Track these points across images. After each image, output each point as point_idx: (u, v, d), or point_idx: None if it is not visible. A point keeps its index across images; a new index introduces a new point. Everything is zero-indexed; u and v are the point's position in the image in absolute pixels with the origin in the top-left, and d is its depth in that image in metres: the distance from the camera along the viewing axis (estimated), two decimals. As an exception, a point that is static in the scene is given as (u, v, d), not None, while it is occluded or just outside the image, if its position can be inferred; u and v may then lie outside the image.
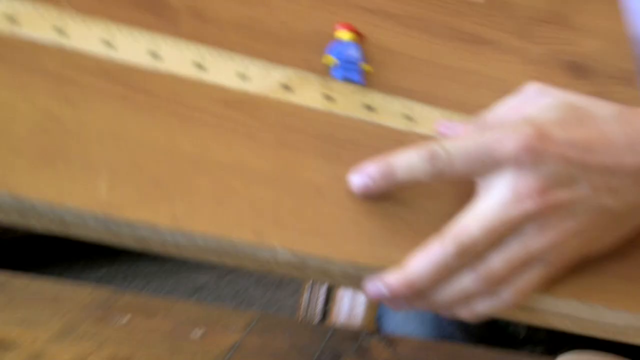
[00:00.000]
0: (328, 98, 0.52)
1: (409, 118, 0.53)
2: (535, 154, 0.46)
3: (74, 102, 0.45)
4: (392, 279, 0.46)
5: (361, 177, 0.48)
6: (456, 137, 0.50)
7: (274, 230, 0.46)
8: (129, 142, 0.45)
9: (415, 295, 0.47)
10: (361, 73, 0.54)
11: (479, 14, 0.62)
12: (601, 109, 0.50)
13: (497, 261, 0.47)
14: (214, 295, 1.94)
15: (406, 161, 0.47)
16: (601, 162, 0.48)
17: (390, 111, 0.53)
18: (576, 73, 0.61)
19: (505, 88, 0.56)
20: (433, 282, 0.47)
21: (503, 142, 0.47)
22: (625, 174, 0.48)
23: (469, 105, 0.56)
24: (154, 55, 0.49)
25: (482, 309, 0.49)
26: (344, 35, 0.55)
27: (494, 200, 0.46)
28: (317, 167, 0.49)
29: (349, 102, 0.52)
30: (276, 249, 0.45)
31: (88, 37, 0.48)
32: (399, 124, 0.53)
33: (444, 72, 0.58)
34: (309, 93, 0.52)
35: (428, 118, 0.54)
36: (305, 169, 0.49)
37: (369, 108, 0.53)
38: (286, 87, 0.51)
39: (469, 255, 0.46)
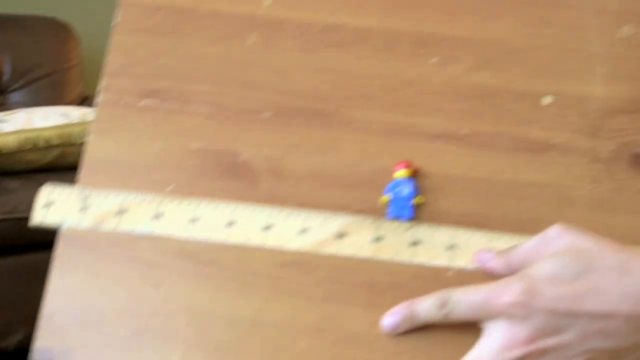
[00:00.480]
0: (377, 239, 0.62)
1: (453, 248, 0.62)
2: (523, 308, 0.55)
3: (159, 284, 0.60)
4: None
5: (392, 318, 0.59)
6: (467, 288, 0.58)
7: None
8: (198, 314, 0.60)
9: None
10: (412, 208, 0.63)
11: (548, 117, 0.66)
12: (605, 259, 0.55)
13: None
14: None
15: (424, 307, 0.59)
16: (590, 309, 0.54)
17: (434, 243, 0.62)
18: None
19: (563, 195, 0.63)
20: None
21: (498, 297, 0.56)
22: (620, 319, 0.54)
23: (520, 222, 0.63)
24: (230, 224, 0.62)
25: None
26: (401, 173, 0.64)
27: (490, 346, 0.56)
28: (356, 315, 0.60)
29: (396, 241, 0.62)
30: None
31: (178, 219, 0.63)
32: (441, 257, 0.62)
33: (501, 189, 0.64)
34: (360, 238, 0.62)
35: (473, 246, 0.62)
36: (345, 318, 0.60)
37: (415, 244, 0.62)
38: (340, 235, 0.62)
39: None
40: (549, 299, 0.55)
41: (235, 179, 0.65)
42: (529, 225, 0.63)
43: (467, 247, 0.62)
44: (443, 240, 0.62)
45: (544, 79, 0.67)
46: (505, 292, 0.56)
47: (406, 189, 0.63)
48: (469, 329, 0.58)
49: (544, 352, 0.55)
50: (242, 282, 0.62)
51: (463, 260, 0.62)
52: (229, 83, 0.67)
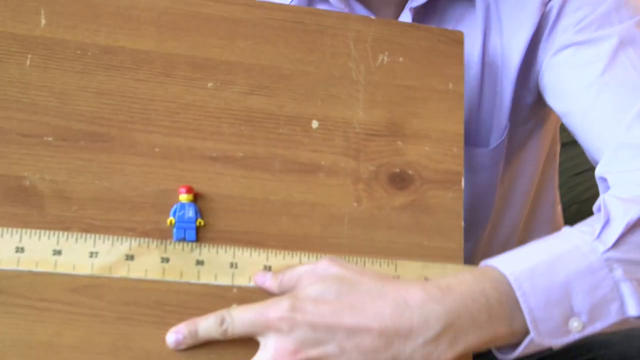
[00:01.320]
0: (165, 260, 0.67)
1: (234, 266, 0.69)
2: (289, 322, 0.63)
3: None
4: None
5: (174, 335, 0.65)
6: (243, 306, 0.66)
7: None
8: None
9: None
10: (194, 231, 0.68)
11: (316, 140, 0.74)
12: (364, 284, 0.66)
13: None
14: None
15: (205, 324, 0.65)
16: (346, 324, 0.64)
17: (217, 262, 0.69)
18: (399, 185, 0.74)
19: (331, 213, 0.71)
20: None
21: (268, 312, 0.64)
22: (374, 335, 0.64)
23: (293, 238, 0.71)
24: (19, 249, 0.65)
25: None
26: (183, 197, 0.69)
27: (263, 357, 0.64)
28: (149, 334, 0.65)
29: (182, 262, 0.68)
30: None
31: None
32: (225, 276, 0.68)
33: (275, 209, 0.72)
34: (148, 260, 0.67)
35: (252, 263, 0.69)
36: (139, 337, 0.65)
37: (200, 263, 0.68)
38: (129, 257, 0.67)
39: None
40: (311, 315, 0.64)
41: (21, 204, 0.67)
42: (302, 241, 0.71)
43: (248, 265, 0.69)
44: (225, 259, 0.69)
45: (311, 103, 0.75)
46: (273, 309, 0.64)
47: (189, 212, 0.69)
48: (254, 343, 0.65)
49: None
50: (36, 308, 0.64)
51: (244, 278, 0.69)
52: (8, 106, 0.69)
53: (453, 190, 0.76)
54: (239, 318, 0.65)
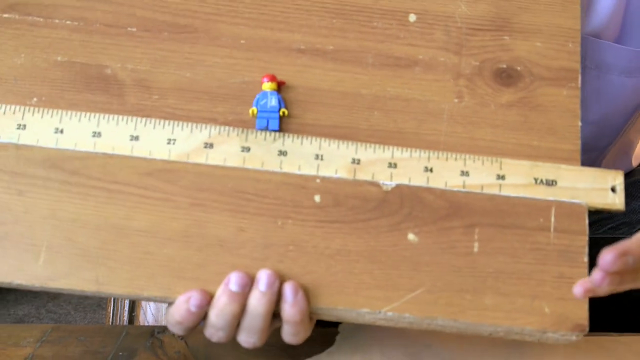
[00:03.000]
0: (245, 149, 0.67)
1: (319, 158, 0.67)
2: None
3: (23, 193, 0.63)
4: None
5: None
6: None
7: (180, 286, 0.62)
8: (64, 222, 0.64)
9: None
10: (278, 120, 0.68)
11: (413, 34, 0.72)
12: None
13: None
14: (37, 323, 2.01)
15: None
16: None
17: (301, 153, 0.67)
18: (506, 81, 0.70)
19: (428, 108, 0.68)
20: None
21: None
22: None
23: (386, 133, 0.69)
24: (96, 134, 0.66)
25: None
26: (267, 86, 0.69)
27: None
28: (223, 221, 0.65)
29: (263, 151, 0.67)
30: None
31: (43, 129, 0.66)
32: (308, 167, 0.67)
33: (367, 103, 0.70)
34: (228, 148, 0.67)
35: (339, 156, 0.67)
36: (212, 224, 0.65)
37: (282, 153, 0.67)
38: (208, 145, 0.67)
39: None
40: None
41: (101, 92, 0.68)
42: (395, 136, 0.69)
43: (334, 157, 0.67)
44: (310, 150, 0.67)
45: None
46: None
47: (272, 101, 0.68)
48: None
49: None
50: (109, 191, 0.65)
51: (330, 170, 0.67)
52: None
53: (568, 87, 0.71)
54: None
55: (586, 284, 0.61)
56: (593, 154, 0.96)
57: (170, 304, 0.63)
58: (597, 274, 0.60)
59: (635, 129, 0.98)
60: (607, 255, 0.59)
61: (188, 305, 0.62)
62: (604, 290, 0.61)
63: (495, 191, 0.67)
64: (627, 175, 1.02)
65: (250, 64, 0.70)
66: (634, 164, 1.02)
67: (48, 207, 0.64)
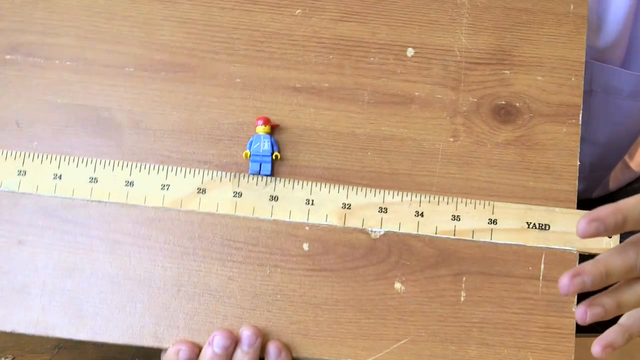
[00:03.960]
0: (237, 194, 0.70)
1: (310, 203, 0.70)
2: None
3: (23, 242, 0.69)
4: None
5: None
6: None
7: (169, 333, 0.67)
8: (61, 271, 0.69)
9: None
10: (270, 165, 0.70)
11: (410, 69, 0.73)
12: None
13: None
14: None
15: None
16: None
17: (292, 198, 0.70)
18: (504, 118, 0.72)
19: (423, 148, 0.70)
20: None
21: None
22: None
23: (381, 174, 0.71)
24: (93, 180, 0.70)
25: None
26: (260, 129, 0.71)
27: None
28: (213, 270, 0.69)
29: (256, 196, 0.70)
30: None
31: (42, 175, 0.70)
32: (299, 212, 0.70)
33: (361, 143, 0.72)
34: (221, 193, 0.70)
35: (329, 200, 0.70)
36: (203, 273, 0.69)
37: (274, 198, 0.70)
38: (201, 190, 0.70)
39: None
40: None
41: (99, 135, 0.72)
42: (388, 178, 0.71)
43: (325, 202, 0.70)
44: (301, 195, 0.70)
45: (407, 29, 0.74)
46: None
47: (265, 145, 0.71)
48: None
49: None
50: (104, 239, 0.70)
51: (320, 216, 0.70)
52: (93, 36, 0.74)
53: (568, 124, 0.72)
54: None
55: (602, 341, 0.61)
56: (600, 174, 0.97)
57: (164, 350, 0.68)
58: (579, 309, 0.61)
59: (636, 143, 0.98)
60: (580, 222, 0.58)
61: (178, 358, 0.66)
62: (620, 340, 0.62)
63: (486, 237, 0.69)
64: (632, 183, 1.03)
65: (245, 103, 0.73)
66: (637, 170, 1.03)
67: (46, 256, 0.69)
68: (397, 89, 0.73)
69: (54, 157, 0.71)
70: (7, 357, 0.79)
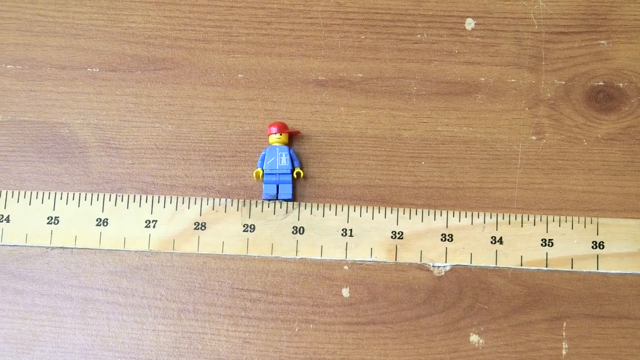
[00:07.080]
0: (249, 228, 0.63)
1: (347, 234, 0.63)
2: None
3: None
4: None
5: None
6: None
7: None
8: (21, 344, 0.59)
9: None
10: (291, 185, 0.63)
11: (472, 47, 0.67)
12: None
13: None
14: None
15: None
16: None
17: (323, 229, 0.63)
18: (604, 105, 0.66)
19: (496, 152, 0.64)
20: None
21: None
22: None
23: (440, 190, 0.63)
24: (53, 220, 0.63)
25: None
26: (275, 139, 0.65)
27: None
28: (222, 332, 0.61)
29: (274, 229, 0.63)
30: None
31: None
32: (333, 248, 0.63)
33: (411, 149, 0.64)
34: (227, 227, 0.64)
35: (374, 229, 0.63)
36: (208, 337, 0.62)
37: (298, 230, 0.63)
38: (200, 226, 0.63)
39: None
40: None
41: (57, 159, 0.66)
42: (450, 195, 0.64)
43: (367, 231, 0.63)
44: (335, 224, 0.64)
45: None
46: None
47: (282, 160, 0.65)
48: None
49: None
50: (71, 299, 0.62)
51: (363, 251, 0.63)
52: (39, 29, 0.67)
53: None
54: None
55: None
56: None
57: None
58: None
59: None
60: None
61: None
62: None
63: (591, 266, 0.63)
64: None
65: (251, 106, 0.66)
66: None
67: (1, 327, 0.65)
68: (456, 74, 0.67)
69: (-2, 192, 0.67)
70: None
